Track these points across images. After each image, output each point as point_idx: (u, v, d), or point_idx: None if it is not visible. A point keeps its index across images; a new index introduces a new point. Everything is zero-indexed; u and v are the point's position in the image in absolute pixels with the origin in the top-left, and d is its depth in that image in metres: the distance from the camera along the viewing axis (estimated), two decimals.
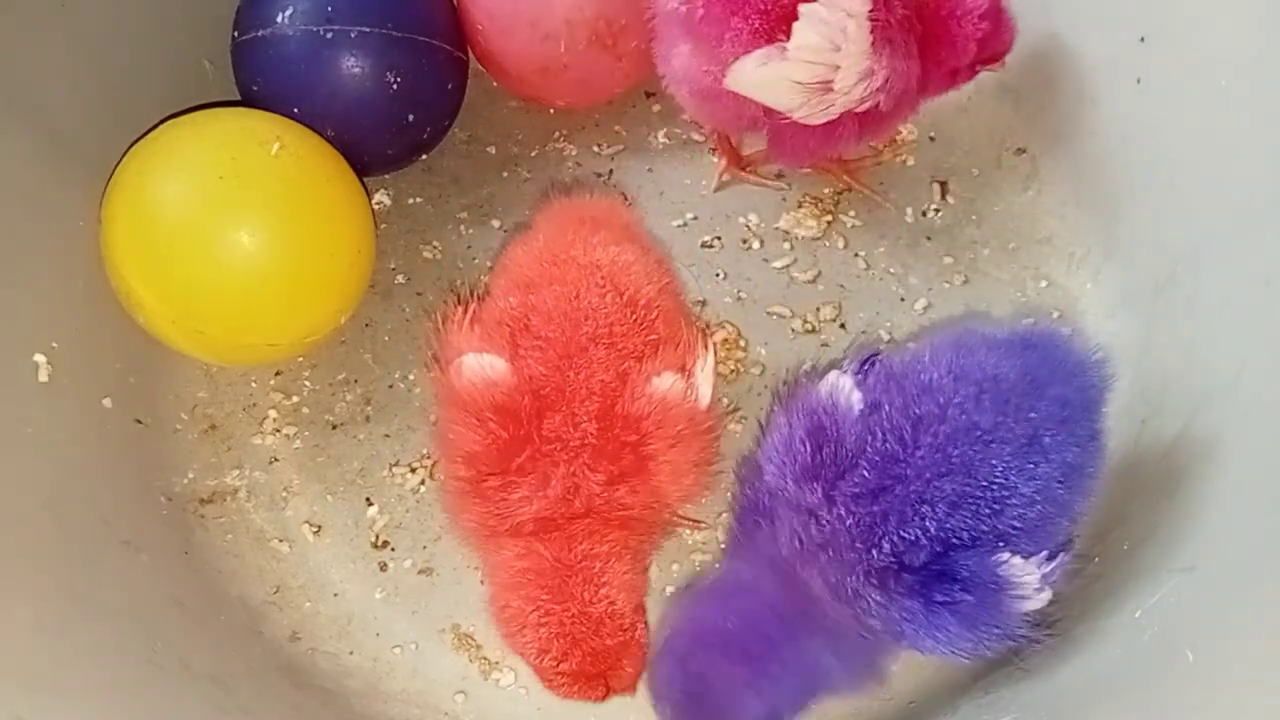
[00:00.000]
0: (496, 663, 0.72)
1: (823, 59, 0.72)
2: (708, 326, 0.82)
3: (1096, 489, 0.64)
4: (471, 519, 0.65)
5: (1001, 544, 0.59)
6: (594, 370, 0.65)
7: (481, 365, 0.66)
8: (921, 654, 0.62)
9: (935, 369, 0.63)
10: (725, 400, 0.80)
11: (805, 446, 0.61)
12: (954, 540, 0.59)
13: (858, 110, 0.75)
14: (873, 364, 0.65)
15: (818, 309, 0.84)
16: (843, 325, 0.83)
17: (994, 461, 0.59)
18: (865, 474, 0.60)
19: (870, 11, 0.71)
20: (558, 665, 0.63)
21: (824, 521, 0.60)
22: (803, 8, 0.71)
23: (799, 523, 0.61)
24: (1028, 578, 0.59)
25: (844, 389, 0.63)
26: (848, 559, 0.59)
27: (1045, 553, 0.60)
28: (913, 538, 0.59)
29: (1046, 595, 0.60)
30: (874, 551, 0.59)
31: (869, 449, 0.61)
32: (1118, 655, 0.64)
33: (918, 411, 0.61)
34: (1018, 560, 0.59)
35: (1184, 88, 0.77)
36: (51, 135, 0.75)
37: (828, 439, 0.61)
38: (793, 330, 0.83)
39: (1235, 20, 0.73)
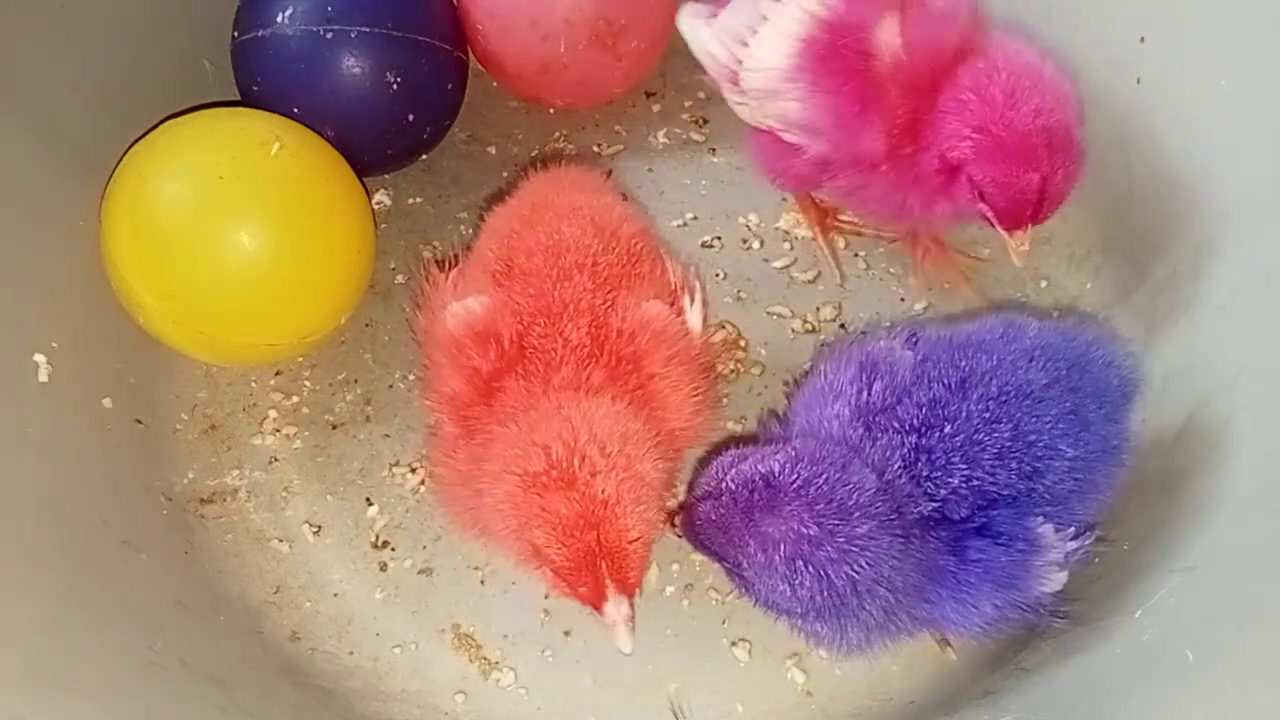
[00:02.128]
0: (496, 663, 0.72)
1: (731, 45, 0.72)
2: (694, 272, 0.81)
3: (1120, 484, 0.66)
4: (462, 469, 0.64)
5: (1038, 509, 0.61)
6: (580, 294, 0.65)
7: (463, 308, 0.66)
8: (938, 628, 0.63)
9: (989, 333, 0.66)
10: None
11: (853, 386, 0.63)
12: (994, 495, 0.61)
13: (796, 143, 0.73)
14: (919, 335, 0.67)
15: (818, 309, 0.84)
16: (843, 325, 0.83)
17: (1041, 419, 0.62)
18: (910, 410, 0.62)
19: (804, 37, 0.69)
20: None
21: (867, 454, 0.61)
22: None
23: (831, 460, 0.60)
24: (1057, 545, 0.61)
25: (896, 346, 0.66)
26: (901, 493, 0.60)
27: (1073, 529, 0.63)
28: (956, 484, 0.60)
29: (1064, 577, 0.62)
30: (920, 495, 0.60)
31: (916, 391, 0.63)
32: (1118, 655, 0.64)
33: (969, 365, 0.63)
34: (1050, 527, 0.61)
35: (1184, 88, 0.77)
36: (51, 135, 0.75)
37: (879, 375, 0.63)
38: (793, 330, 0.83)
39: (1235, 20, 0.73)
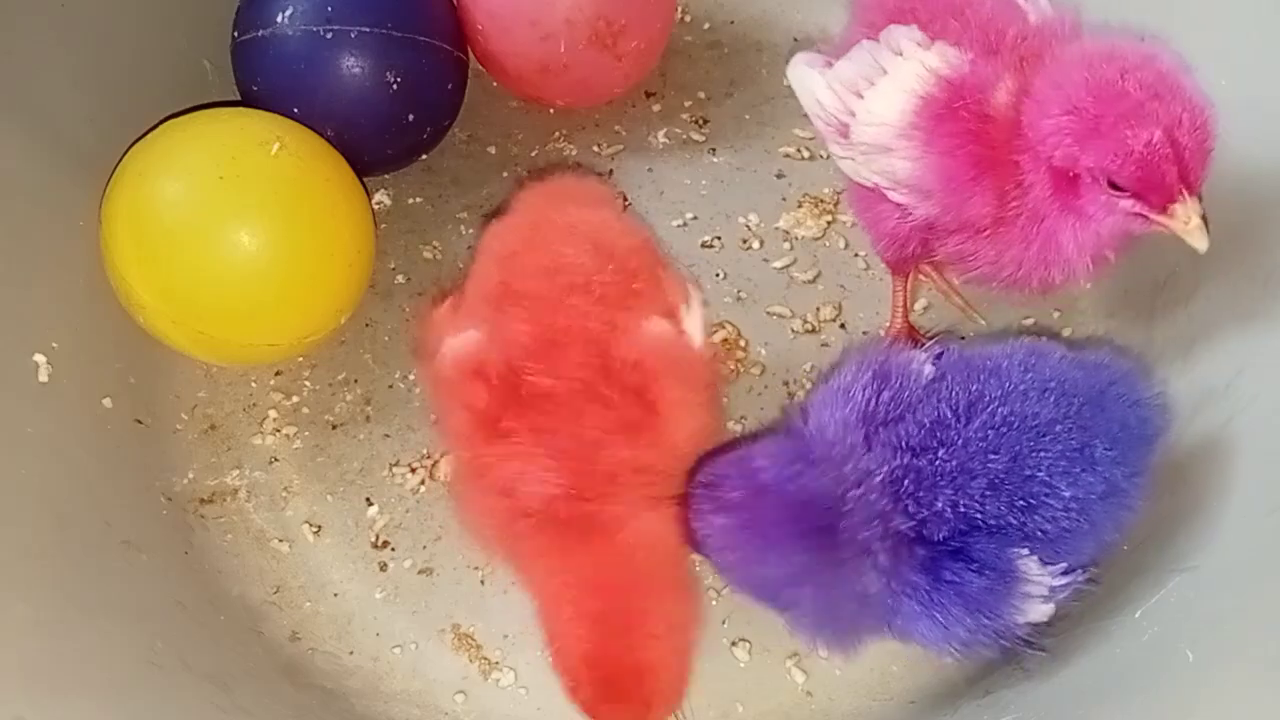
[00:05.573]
0: (496, 663, 0.72)
1: (845, 95, 0.70)
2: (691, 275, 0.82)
3: (1130, 526, 0.64)
4: (487, 515, 0.64)
5: (1026, 543, 0.60)
6: (579, 319, 0.64)
7: (459, 342, 0.66)
8: (911, 643, 0.62)
9: (1007, 359, 0.64)
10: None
11: (865, 392, 0.62)
12: (979, 523, 0.59)
13: (901, 203, 0.70)
14: (945, 351, 0.66)
15: (818, 309, 0.84)
16: (843, 325, 0.83)
17: (1042, 454, 0.60)
18: (911, 429, 0.61)
19: (923, 94, 0.66)
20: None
21: (859, 464, 0.60)
22: (865, 40, 0.70)
23: (832, 466, 0.61)
24: (1040, 579, 0.60)
25: (919, 359, 0.65)
26: (873, 509, 0.60)
27: (1064, 565, 0.61)
28: (940, 508, 0.59)
29: (1049, 609, 0.61)
30: (896, 512, 0.59)
31: (921, 409, 0.62)
32: (1118, 655, 0.64)
33: (979, 389, 0.62)
34: (1035, 561, 0.60)
35: None
36: (51, 135, 0.75)
37: (889, 386, 0.63)
38: (793, 330, 0.83)
39: (1235, 20, 0.73)
